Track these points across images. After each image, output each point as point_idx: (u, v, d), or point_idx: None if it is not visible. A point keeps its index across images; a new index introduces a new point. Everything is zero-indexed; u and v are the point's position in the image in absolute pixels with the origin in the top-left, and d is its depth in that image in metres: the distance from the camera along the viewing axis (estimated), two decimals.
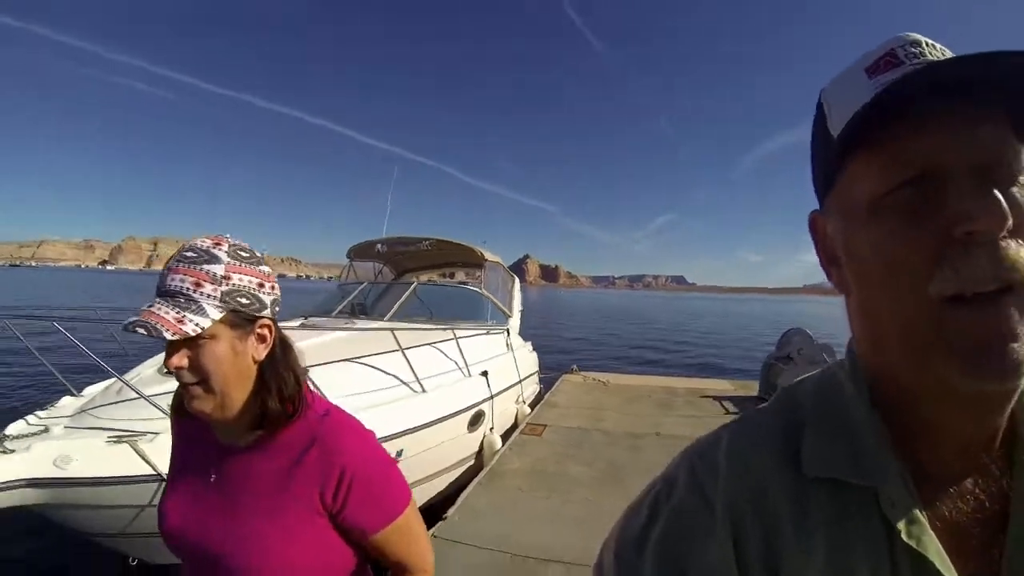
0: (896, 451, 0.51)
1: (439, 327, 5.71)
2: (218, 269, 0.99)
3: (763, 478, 0.52)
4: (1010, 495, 0.50)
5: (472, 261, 8.37)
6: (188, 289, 0.96)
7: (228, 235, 1.06)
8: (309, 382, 1.14)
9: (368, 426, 2.80)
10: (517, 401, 7.09)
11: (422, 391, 4.49)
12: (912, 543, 0.47)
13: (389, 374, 4.39)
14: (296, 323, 5.37)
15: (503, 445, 5.72)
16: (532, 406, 7.70)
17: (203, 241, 1.01)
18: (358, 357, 4.28)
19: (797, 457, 0.53)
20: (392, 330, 4.49)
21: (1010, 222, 0.42)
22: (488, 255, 7.93)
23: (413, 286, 6.62)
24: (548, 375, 9.66)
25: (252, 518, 0.99)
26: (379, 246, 7.92)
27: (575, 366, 10.80)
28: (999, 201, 0.42)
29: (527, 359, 8.09)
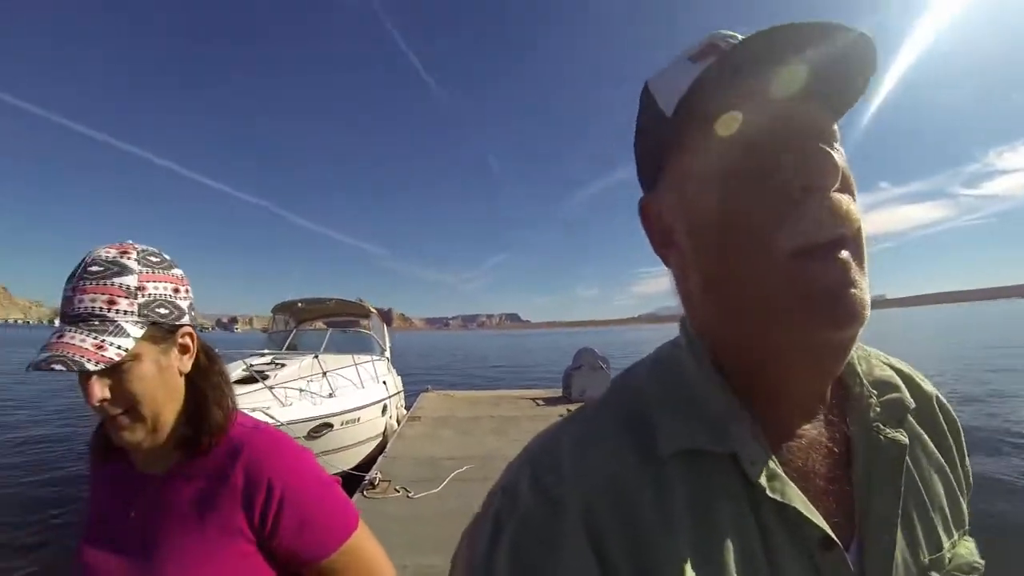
0: (746, 414, 0.52)
1: (373, 352, 9.34)
2: (131, 280, 0.90)
3: (613, 468, 0.50)
4: (850, 438, 0.54)
5: (361, 313, 11.87)
6: (101, 309, 0.87)
7: (130, 241, 0.95)
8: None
9: (344, 402, 6.68)
10: (397, 406, 10.59)
11: (361, 387, 7.97)
12: (776, 496, 0.48)
13: (347, 379, 7.81)
14: (267, 358, 8.31)
15: (399, 426, 9.29)
16: (406, 409, 11.30)
17: (107, 251, 0.90)
18: (325, 374, 7.45)
19: (646, 441, 0.52)
20: (363, 353, 8.12)
21: (839, 178, 0.46)
22: (372, 308, 11.48)
23: (329, 332, 10.00)
24: (409, 393, 13.15)
25: (172, 553, 0.89)
26: (299, 303, 10.99)
27: (429, 386, 14.41)
28: (831, 157, 0.46)
29: (398, 379, 11.66)
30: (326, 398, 6.89)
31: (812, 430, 0.54)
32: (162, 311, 0.93)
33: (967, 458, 0.64)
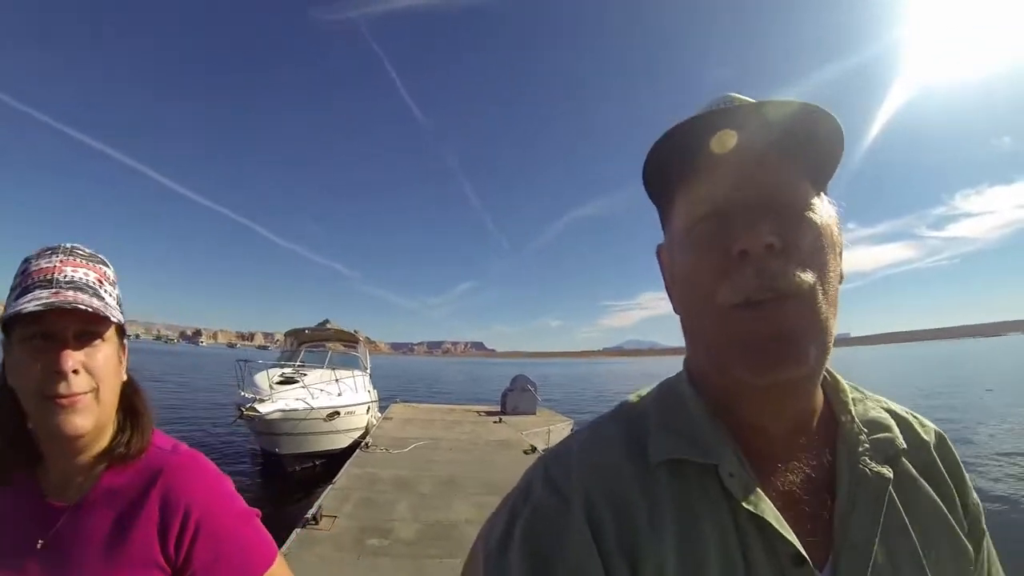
0: (730, 437, 0.58)
1: (359, 369, 13.38)
2: (111, 273, 0.94)
3: (613, 471, 0.58)
4: (834, 468, 0.58)
5: (352, 340, 15.94)
6: (93, 284, 0.87)
7: None
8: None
9: (347, 399, 11.34)
10: (375, 410, 14.51)
11: (356, 391, 11.94)
12: (751, 508, 0.53)
13: (347, 384, 11.74)
14: (291, 368, 12.30)
15: (377, 422, 13.28)
16: (381, 411, 15.30)
17: (83, 246, 0.92)
18: (337, 380, 11.39)
19: (642, 452, 0.59)
20: (354, 369, 12.24)
21: (775, 242, 0.51)
22: (360, 335, 15.55)
23: (329, 354, 13.95)
24: (386, 400, 17.17)
25: None
26: (306, 330, 15.00)
27: (398, 398, 18.57)
28: (760, 227, 0.52)
29: (375, 391, 15.59)
30: (336, 396, 10.91)
31: (794, 457, 0.59)
32: (121, 309, 0.93)
33: (972, 501, 0.64)
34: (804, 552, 0.52)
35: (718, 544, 0.53)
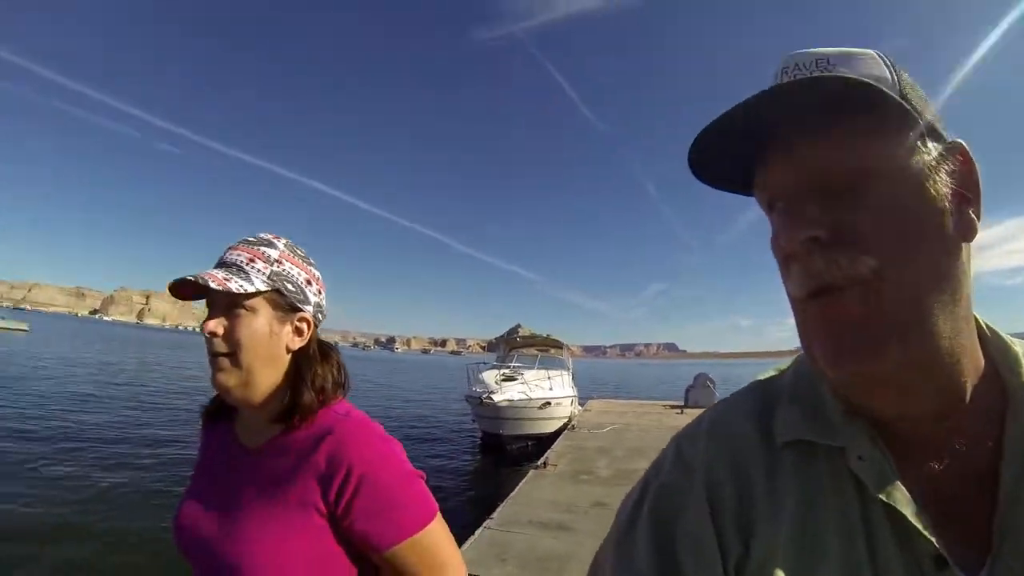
0: (864, 418, 0.52)
1: (564, 369, 16.72)
2: (273, 253, 1.05)
3: (739, 446, 0.55)
4: (1002, 454, 0.48)
5: (556, 345, 19.22)
6: (242, 261, 1.01)
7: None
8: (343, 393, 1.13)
9: (556, 393, 16.66)
10: (576, 403, 17.52)
11: (562, 387, 15.16)
12: (883, 496, 0.46)
13: (555, 381, 14.96)
14: (509, 369, 15.73)
15: (578, 412, 16.37)
16: (580, 405, 18.31)
17: (264, 234, 1.08)
18: (549, 377, 14.74)
19: (769, 429, 0.56)
20: (560, 369, 15.71)
21: (819, 234, 0.45)
22: (563, 341, 18.90)
23: (538, 357, 17.24)
24: (581, 398, 20.14)
25: (247, 519, 0.97)
26: (517, 337, 18.50)
27: (594, 396, 21.50)
28: (798, 225, 0.46)
29: (575, 388, 18.64)
30: (548, 391, 14.12)
31: (944, 438, 0.49)
32: (289, 286, 1.05)
33: None
34: (946, 553, 0.44)
35: (841, 536, 0.48)
